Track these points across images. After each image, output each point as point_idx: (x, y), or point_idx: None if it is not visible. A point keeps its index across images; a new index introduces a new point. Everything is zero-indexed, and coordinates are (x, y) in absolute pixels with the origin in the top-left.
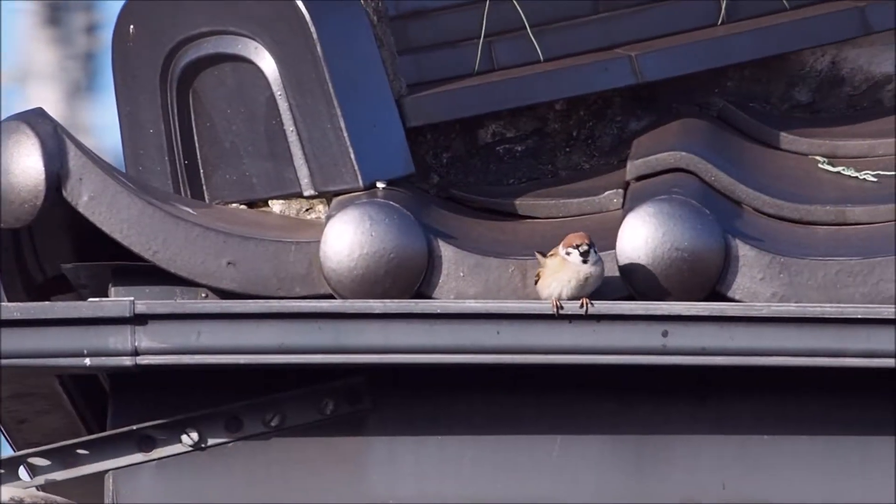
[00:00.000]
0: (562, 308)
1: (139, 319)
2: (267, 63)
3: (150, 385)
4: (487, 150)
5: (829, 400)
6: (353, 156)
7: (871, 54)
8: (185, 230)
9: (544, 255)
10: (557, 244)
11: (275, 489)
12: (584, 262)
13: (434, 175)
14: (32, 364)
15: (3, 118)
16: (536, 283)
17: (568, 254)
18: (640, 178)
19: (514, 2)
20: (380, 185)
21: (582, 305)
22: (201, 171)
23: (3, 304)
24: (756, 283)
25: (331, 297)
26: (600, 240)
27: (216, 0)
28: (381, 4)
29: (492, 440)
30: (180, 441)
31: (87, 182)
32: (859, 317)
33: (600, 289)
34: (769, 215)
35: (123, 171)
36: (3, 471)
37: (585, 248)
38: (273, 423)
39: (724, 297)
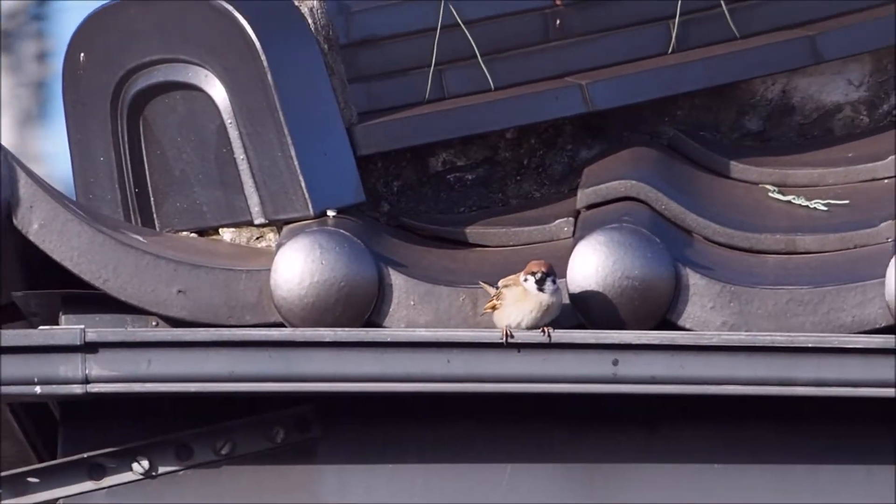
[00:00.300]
0: (512, 336)
1: (90, 347)
2: (217, 91)
3: (101, 413)
4: (438, 178)
5: (779, 429)
6: (303, 184)
7: (822, 83)
8: (136, 258)
9: (491, 285)
10: (508, 273)
11: None
12: (541, 290)
13: (385, 203)
14: None
15: None
16: (491, 311)
17: (525, 280)
18: (590, 207)
19: (465, 30)
20: (330, 213)
21: (543, 332)
22: (152, 199)
23: None
24: (706, 311)
25: (281, 325)
26: None
27: (166, 28)
28: (332, 32)
29: (442, 468)
30: (131, 469)
31: (37, 210)
32: (809, 346)
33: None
34: (719, 244)
35: (74, 199)
36: None
37: (542, 275)
38: (223, 452)
39: (674, 326)
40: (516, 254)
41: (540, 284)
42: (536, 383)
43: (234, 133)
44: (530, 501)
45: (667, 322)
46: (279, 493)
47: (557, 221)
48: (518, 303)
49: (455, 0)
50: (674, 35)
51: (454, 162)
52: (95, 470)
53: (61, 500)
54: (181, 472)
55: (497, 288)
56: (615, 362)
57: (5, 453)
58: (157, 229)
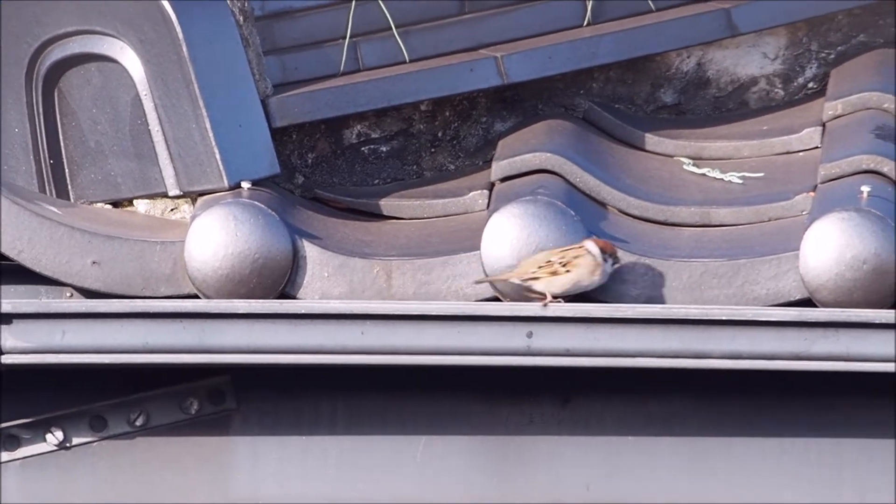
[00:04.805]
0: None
1: (4, 318)
2: (132, 63)
3: (15, 384)
4: (353, 150)
5: (693, 401)
6: (218, 156)
7: (737, 56)
8: (51, 229)
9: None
10: (422, 245)
11: (139, 488)
12: (606, 268)
13: (299, 175)
14: None
15: None
16: (547, 276)
17: (605, 260)
18: (505, 179)
19: (380, 2)
20: (245, 185)
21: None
22: (66, 170)
23: None
24: (621, 284)
25: (196, 296)
26: (465, 240)
27: (82, 0)
28: (247, 5)
29: (356, 440)
30: (45, 440)
31: None
32: (724, 318)
33: (465, 290)
34: (634, 216)
35: None
36: None
37: (613, 258)
38: (137, 423)
39: (589, 298)
40: (431, 226)
41: (613, 263)
42: (450, 355)
43: (149, 105)
44: (444, 473)
45: (581, 294)
46: (193, 465)
47: (472, 194)
48: (590, 274)
49: None
50: (589, 8)
51: (369, 134)
52: (9, 441)
53: None
54: (95, 444)
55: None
56: (530, 334)
57: None
58: (72, 201)
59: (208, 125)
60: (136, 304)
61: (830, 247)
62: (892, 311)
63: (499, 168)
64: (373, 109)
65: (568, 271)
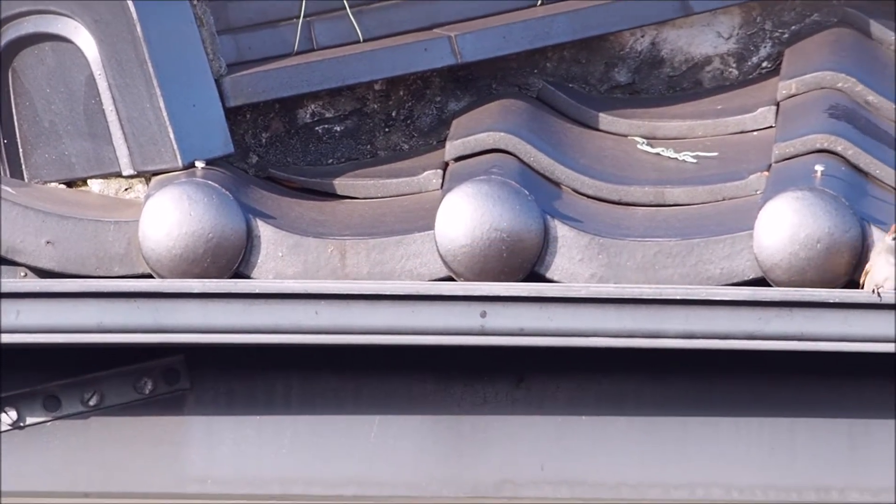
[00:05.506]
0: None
1: None
2: (87, 42)
3: None
4: (307, 130)
5: (647, 381)
6: (172, 135)
7: (691, 35)
8: (4, 209)
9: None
10: (377, 224)
11: (94, 468)
12: None
13: (253, 155)
14: None
15: None
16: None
17: None
18: (458, 159)
19: None
20: (199, 164)
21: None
22: (20, 150)
23: None
24: (575, 263)
25: (150, 276)
26: (419, 220)
27: None
28: None
29: (310, 420)
30: None
31: None
32: (678, 298)
33: (419, 270)
34: (588, 196)
35: None
36: None
37: None
38: (91, 403)
39: (542, 278)
40: (385, 205)
41: None
42: (404, 335)
43: (103, 84)
44: (398, 453)
45: (535, 274)
46: (147, 445)
47: (426, 173)
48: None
49: None
50: None
51: (323, 114)
52: None
53: None
54: (49, 423)
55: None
56: (483, 314)
57: None
58: (26, 180)
59: (162, 105)
60: (90, 284)
61: (784, 226)
62: (846, 290)
63: (453, 148)
64: (327, 89)
65: None
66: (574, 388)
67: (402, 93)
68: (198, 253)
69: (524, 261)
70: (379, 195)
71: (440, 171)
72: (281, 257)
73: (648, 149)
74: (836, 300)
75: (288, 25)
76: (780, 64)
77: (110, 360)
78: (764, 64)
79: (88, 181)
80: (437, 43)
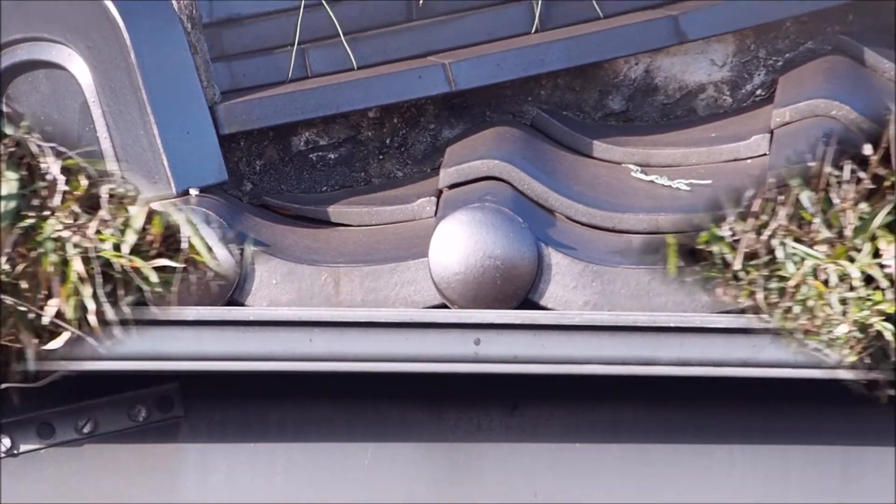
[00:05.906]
0: None
1: None
2: (80, 70)
3: None
4: (301, 157)
5: (641, 408)
6: (166, 162)
7: (685, 63)
8: None
9: None
10: (371, 252)
11: (87, 495)
12: None
13: (247, 182)
14: None
15: None
16: None
17: None
18: (452, 186)
19: (328, 9)
20: (193, 192)
21: None
22: None
23: None
24: (569, 291)
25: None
26: (413, 247)
27: (29, 7)
28: (195, 11)
29: (304, 448)
30: None
31: None
32: (672, 325)
33: (413, 297)
34: (582, 224)
35: None
36: None
37: None
38: (85, 430)
39: (536, 306)
40: (379, 233)
41: None
42: (398, 362)
43: (97, 112)
44: (392, 480)
45: (529, 302)
46: (141, 473)
47: (420, 201)
48: None
49: None
50: (537, 14)
51: (317, 141)
52: None
53: None
54: (43, 451)
55: None
56: (477, 342)
57: None
58: None
59: (156, 132)
60: None
61: None
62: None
63: (447, 175)
64: (321, 116)
65: None
66: (568, 415)
67: (396, 120)
68: (192, 280)
69: (518, 288)
70: (373, 222)
71: (434, 199)
72: (275, 285)
73: (642, 176)
74: None
75: (282, 53)
76: (774, 91)
77: (104, 387)
78: (758, 91)
79: None
80: (431, 70)
